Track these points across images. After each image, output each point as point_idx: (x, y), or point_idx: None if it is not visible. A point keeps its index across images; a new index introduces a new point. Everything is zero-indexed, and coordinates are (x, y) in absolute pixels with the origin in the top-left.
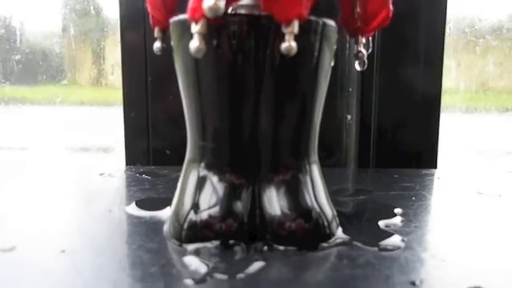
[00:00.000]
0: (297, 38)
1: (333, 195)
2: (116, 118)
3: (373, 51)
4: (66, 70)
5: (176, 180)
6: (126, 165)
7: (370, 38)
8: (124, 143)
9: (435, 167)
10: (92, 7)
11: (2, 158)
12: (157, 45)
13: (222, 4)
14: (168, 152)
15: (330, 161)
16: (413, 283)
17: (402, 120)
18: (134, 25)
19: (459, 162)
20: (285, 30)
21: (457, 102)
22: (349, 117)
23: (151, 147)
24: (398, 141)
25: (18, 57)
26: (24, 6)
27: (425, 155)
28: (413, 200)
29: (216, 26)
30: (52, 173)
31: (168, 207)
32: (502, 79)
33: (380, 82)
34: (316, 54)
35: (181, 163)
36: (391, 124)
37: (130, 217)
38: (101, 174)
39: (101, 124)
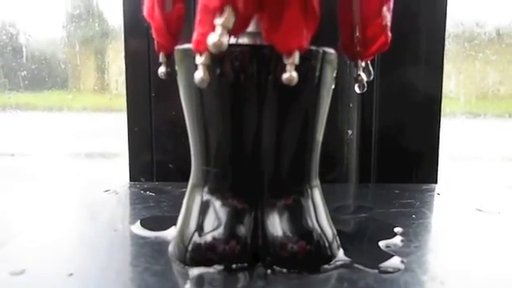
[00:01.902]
0: (298, 67)
1: (334, 213)
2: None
3: (372, 67)
4: (71, 85)
5: (180, 197)
6: (130, 179)
7: (370, 64)
8: (128, 157)
9: (436, 181)
10: (97, 24)
11: (7, 165)
12: (162, 69)
13: (225, 40)
14: (171, 166)
15: (331, 176)
16: None
17: (403, 135)
18: (138, 40)
19: (459, 170)
20: (286, 60)
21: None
22: (349, 132)
23: (155, 161)
24: (398, 155)
25: (24, 73)
26: (29, 21)
27: (425, 169)
28: (413, 218)
29: (219, 56)
30: (58, 187)
31: (173, 227)
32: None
33: (380, 98)
34: (317, 81)
35: (184, 177)
36: (392, 138)
37: (135, 237)
38: (106, 191)
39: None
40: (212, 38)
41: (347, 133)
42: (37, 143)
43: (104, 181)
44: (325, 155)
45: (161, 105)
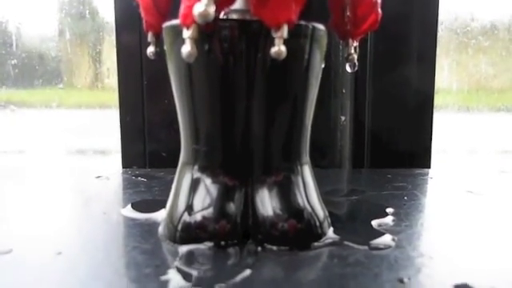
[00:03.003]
0: (287, 42)
1: (326, 196)
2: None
3: (366, 52)
4: (63, 74)
5: (171, 182)
6: (123, 167)
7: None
8: (120, 146)
9: (429, 166)
10: (88, 11)
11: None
12: (150, 49)
13: (211, 10)
14: (164, 154)
15: (325, 161)
16: (401, 280)
17: (396, 120)
18: (129, 28)
19: (453, 160)
20: (274, 34)
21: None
22: (343, 118)
23: (147, 150)
24: (391, 141)
25: (14, 61)
26: (20, 11)
27: (419, 155)
28: (405, 200)
29: (207, 31)
30: (49, 175)
31: (163, 209)
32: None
33: (373, 83)
34: (306, 57)
35: (176, 165)
36: (385, 124)
37: (126, 219)
38: (97, 177)
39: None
40: (198, 8)
41: (340, 119)
42: (29, 139)
43: (96, 169)
44: (318, 141)
45: (153, 94)
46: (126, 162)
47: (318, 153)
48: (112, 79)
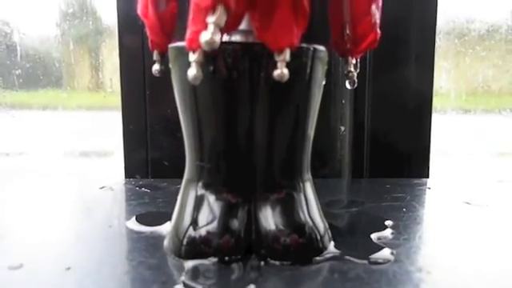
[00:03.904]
0: (289, 64)
1: (327, 207)
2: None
3: (365, 64)
4: (65, 84)
5: (174, 193)
6: (126, 176)
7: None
8: (123, 155)
9: (427, 175)
10: (91, 22)
11: (2, 164)
12: (155, 67)
13: (217, 38)
14: (166, 163)
15: (325, 171)
16: None
17: (395, 130)
18: (132, 37)
19: (451, 163)
20: (277, 58)
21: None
22: (342, 128)
23: (150, 158)
24: (390, 150)
25: (18, 71)
26: (23, 21)
27: (417, 164)
28: (403, 211)
29: (212, 54)
30: (54, 185)
31: (167, 222)
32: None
33: (372, 94)
34: (308, 77)
35: (179, 174)
36: (384, 134)
37: (131, 232)
38: (101, 188)
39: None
40: (204, 36)
41: (340, 129)
42: (32, 142)
43: (100, 178)
44: (318, 151)
45: (155, 102)
46: (129, 171)
47: (317, 163)
48: (115, 88)
